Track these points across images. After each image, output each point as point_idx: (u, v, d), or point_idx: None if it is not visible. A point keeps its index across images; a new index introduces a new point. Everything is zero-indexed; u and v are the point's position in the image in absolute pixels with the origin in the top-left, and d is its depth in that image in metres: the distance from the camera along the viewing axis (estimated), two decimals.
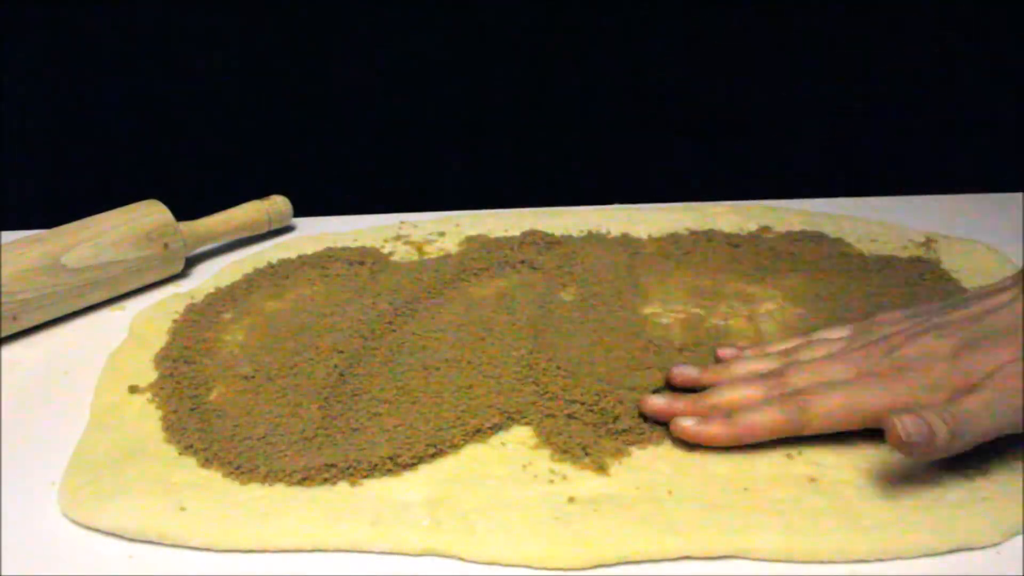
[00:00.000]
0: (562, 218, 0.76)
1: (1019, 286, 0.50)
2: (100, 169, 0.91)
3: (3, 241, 0.64)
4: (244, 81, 0.89)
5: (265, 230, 0.77)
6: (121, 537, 0.46)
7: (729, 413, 0.49)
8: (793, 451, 0.49)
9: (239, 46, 0.88)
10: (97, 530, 0.46)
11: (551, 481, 0.48)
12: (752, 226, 0.72)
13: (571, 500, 0.46)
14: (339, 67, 0.88)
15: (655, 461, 0.49)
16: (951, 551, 0.43)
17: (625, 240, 0.72)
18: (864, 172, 0.86)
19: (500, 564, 0.44)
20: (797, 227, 0.72)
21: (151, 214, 0.69)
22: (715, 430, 0.49)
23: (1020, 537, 0.44)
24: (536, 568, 0.43)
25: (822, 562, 0.43)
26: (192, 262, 0.73)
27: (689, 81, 0.88)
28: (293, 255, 0.71)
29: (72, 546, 0.46)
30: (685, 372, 0.54)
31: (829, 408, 0.48)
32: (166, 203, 0.70)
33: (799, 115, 0.87)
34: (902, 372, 0.48)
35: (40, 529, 0.47)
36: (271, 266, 0.70)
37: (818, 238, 0.70)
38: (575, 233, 0.73)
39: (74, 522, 0.47)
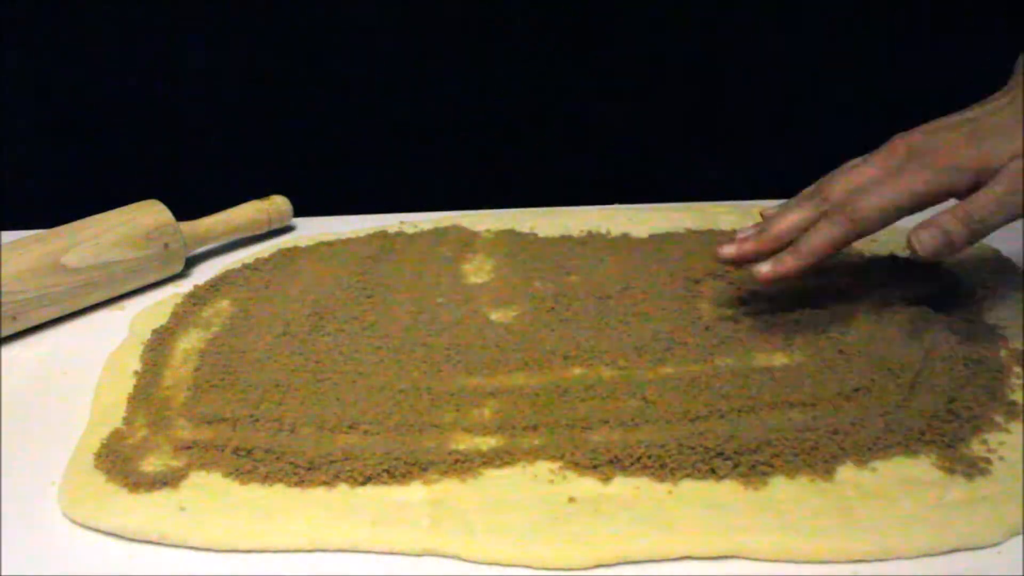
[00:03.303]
0: (562, 218, 0.76)
1: (1015, 90, 0.55)
2: (100, 169, 0.91)
3: (3, 241, 0.64)
4: (244, 81, 0.89)
5: (265, 230, 0.77)
6: (121, 537, 0.46)
7: (792, 241, 0.55)
8: None
9: (239, 46, 0.88)
10: (97, 530, 0.46)
11: (551, 481, 0.48)
12: None
13: (571, 500, 0.46)
14: (339, 67, 0.88)
15: None
16: (951, 551, 0.43)
17: (622, 239, 0.72)
18: None
19: (500, 564, 0.44)
20: None
21: (151, 214, 0.69)
22: (788, 263, 0.55)
23: (1020, 537, 0.44)
24: (536, 568, 0.44)
25: (822, 562, 0.43)
26: (192, 262, 0.73)
27: (689, 81, 0.87)
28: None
29: (72, 546, 0.46)
30: (744, 246, 0.58)
31: (873, 205, 0.53)
32: (166, 203, 0.70)
33: (799, 115, 0.87)
34: (926, 158, 0.53)
35: (40, 529, 0.47)
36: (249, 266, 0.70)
37: None
38: (575, 233, 0.73)
39: (74, 522, 0.47)
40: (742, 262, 0.58)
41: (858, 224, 0.54)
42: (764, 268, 0.55)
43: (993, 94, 0.57)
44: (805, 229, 0.56)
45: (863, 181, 0.55)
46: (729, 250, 0.58)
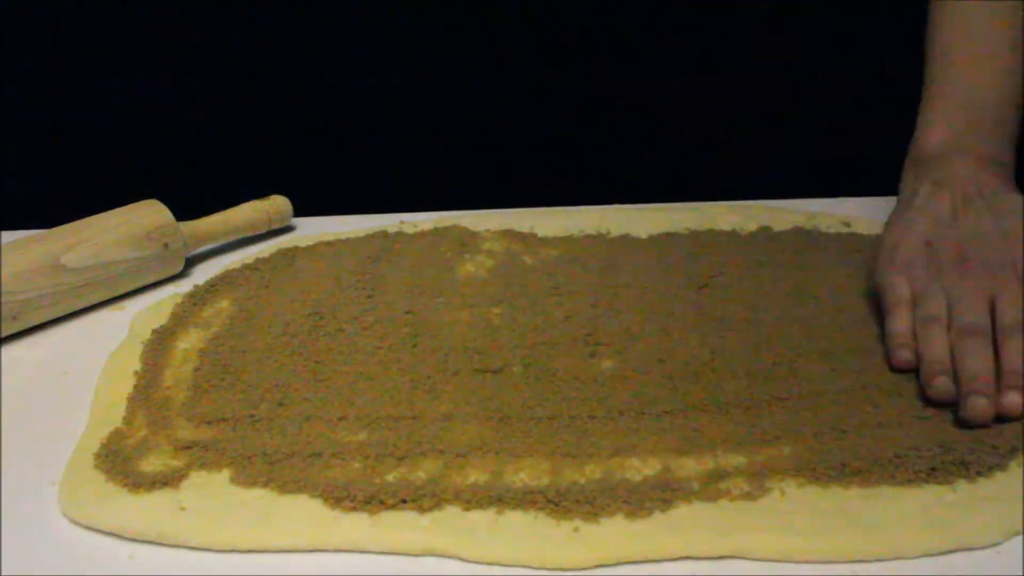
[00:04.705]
0: (562, 218, 0.76)
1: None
2: (100, 169, 0.91)
3: (3, 241, 0.64)
4: (244, 81, 0.90)
5: (265, 230, 0.77)
6: (121, 537, 0.46)
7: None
8: None
9: (239, 46, 0.88)
10: (97, 530, 0.46)
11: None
12: (752, 226, 0.72)
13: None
14: (339, 67, 0.89)
15: None
16: (951, 551, 0.43)
17: (624, 240, 0.72)
18: (864, 172, 0.86)
19: (500, 564, 0.44)
20: (797, 227, 0.72)
21: (151, 214, 0.69)
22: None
23: (1020, 537, 0.44)
24: (536, 568, 0.43)
25: (822, 562, 0.43)
26: (192, 262, 0.73)
27: (689, 81, 0.88)
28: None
29: (72, 546, 0.46)
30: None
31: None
32: (166, 203, 0.70)
33: (799, 115, 0.88)
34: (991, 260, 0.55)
35: (40, 529, 0.47)
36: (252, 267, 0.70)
37: (817, 238, 0.70)
38: (575, 233, 0.73)
39: (74, 522, 0.47)
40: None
41: None
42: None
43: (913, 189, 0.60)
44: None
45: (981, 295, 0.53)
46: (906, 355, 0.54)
